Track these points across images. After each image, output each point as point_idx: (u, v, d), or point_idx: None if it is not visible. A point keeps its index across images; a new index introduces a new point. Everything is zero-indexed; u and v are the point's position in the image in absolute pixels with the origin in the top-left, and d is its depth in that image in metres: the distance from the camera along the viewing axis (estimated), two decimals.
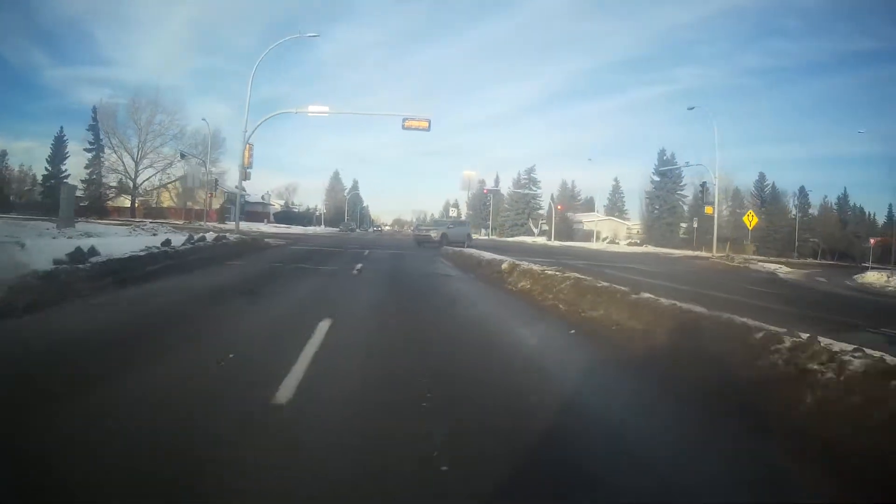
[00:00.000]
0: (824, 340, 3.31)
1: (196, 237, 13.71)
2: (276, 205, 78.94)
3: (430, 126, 20.63)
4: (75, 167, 56.48)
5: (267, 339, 4.13)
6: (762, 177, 57.34)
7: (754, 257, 32.11)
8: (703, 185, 32.16)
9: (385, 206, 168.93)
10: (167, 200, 60.93)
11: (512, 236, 60.93)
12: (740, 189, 58.00)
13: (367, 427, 2.46)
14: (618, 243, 48.42)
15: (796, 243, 52.63)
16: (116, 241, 11.38)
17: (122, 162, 55.94)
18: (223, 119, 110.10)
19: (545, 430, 2.57)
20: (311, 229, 55.11)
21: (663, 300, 5.38)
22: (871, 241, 34.47)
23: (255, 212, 67.41)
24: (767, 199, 56.53)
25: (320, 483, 1.97)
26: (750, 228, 27.24)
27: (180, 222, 42.88)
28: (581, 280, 7.24)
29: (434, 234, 25.20)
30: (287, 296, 6.68)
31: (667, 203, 50.52)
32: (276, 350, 3.70)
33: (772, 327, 3.82)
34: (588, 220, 57.81)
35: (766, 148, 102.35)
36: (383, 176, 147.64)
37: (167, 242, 10.81)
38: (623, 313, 5.43)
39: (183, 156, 42.13)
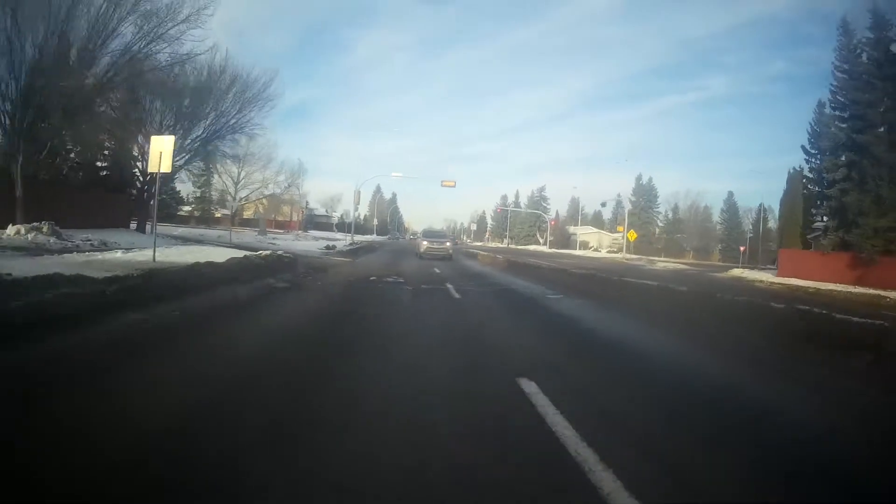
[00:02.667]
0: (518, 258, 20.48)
1: (349, 241, 31.62)
2: (335, 216, 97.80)
3: (455, 185, 38.28)
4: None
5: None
6: (730, 195, 72.79)
7: (664, 259, 48.00)
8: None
9: (416, 213, 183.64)
10: (257, 213, 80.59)
11: (525, 245, 77.47)
12: (709, 206, 73.49)
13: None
14: (599, 251, 64.50)
15: (747, 251, 67.61)
16: (327, 242, 29.36)
17: (225, 183, 75.68)
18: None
19: (479, 271, 19.85)
20: (368, 237, 73.29)
21: (509, 259, 22.49)
22: (742, 248, 50.00)
23: (321, 222, 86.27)
24: (730, 214, 71.76)
25: None
26: (631, 241, 43.49)
27: (281, 231, 61.61)
28: (500, 257, 24.44)
29: (449, 246, 24.50)
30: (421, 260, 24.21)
31: (640, 219, 66.50)
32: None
33: (517, 258, 20.93)
34: (582, 232, 74.11)
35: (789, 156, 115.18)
36: (413, 182, 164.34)
37: (352, 244, 28.59)
38: (497, 263, 22.65)
39: (289, 186, 60.71)
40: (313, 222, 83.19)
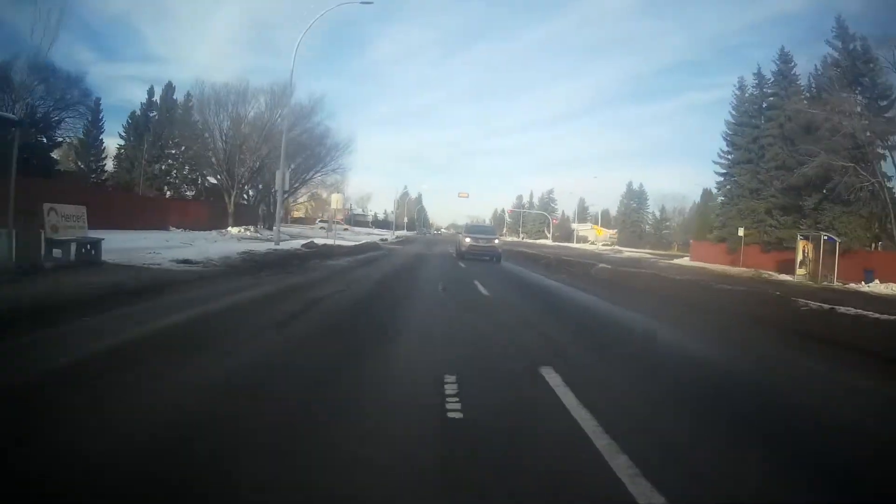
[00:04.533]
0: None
1: (396, 234, 44.93)
2: (369, 213, 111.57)
3: (469, 196, 50.79)
4: None
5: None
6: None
7: (633, 249, 59.82)
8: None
9: (439, 210, 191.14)
10: (305, 211, 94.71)
11: (535, 239, 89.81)
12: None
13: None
14: (595, 244, 76.39)
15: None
16: (379, 237, 42.91)
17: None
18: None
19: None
20: (402, 232, 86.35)
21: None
22: (692, 241, 61.10)
23: (359, 220, 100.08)
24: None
25: None
26: (599, 236, 55.48)
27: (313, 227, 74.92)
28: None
29: (498, 243, 21.91)
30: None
31: (630, 219, 78.34)
32: None
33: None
34: (583, 228, 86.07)
35: None
36: (436, 181, 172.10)
37: (397, 237, 41.74)
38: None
39: (337, 191, 74.33)
40: (353, 220, 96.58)
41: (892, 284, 21.69)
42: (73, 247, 8.70)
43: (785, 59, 36.31)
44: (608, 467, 2.15)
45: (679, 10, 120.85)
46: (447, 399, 3.07)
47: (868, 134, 26.71)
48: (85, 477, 1.91)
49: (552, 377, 3.60)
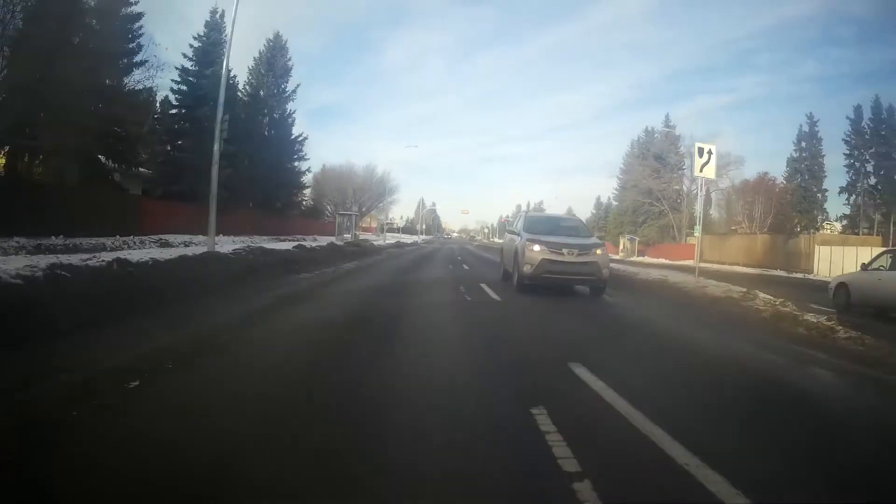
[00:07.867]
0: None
1: (420, 239, 73.88)
2: (394, 221, 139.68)
3: (469, 212, 78.85)
4: None
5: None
6: None
7: None
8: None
9: (447, 215, 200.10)
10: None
11: None
12: None
13: None
14: None
15: None
16: (412, 240, 72.26)
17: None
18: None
19: (469, 249, 61.41)
20: (422, 237, 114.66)
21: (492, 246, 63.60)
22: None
23: (389, 228, 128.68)
24: None
25: None
26: None
27: (371, 234, 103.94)
28: (486, 244, 65.64)
29: (601, 256, 10.30)
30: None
31: (597, 226, 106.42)
32: None
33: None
34: None
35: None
36: (448, 186, 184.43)
37: (425, 240, 70.59)
38: (482, 246, 63.95)
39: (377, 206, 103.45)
40: (385, 228, 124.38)
41: (652, 258, 49.63)
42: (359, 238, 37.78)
43: (649, 133, 64.59)
44: (485, 291, 10.83)
45: (690, 18, 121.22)
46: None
47: (662, 186, 54.77)
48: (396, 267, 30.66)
49: (482, 285, 11.83)
